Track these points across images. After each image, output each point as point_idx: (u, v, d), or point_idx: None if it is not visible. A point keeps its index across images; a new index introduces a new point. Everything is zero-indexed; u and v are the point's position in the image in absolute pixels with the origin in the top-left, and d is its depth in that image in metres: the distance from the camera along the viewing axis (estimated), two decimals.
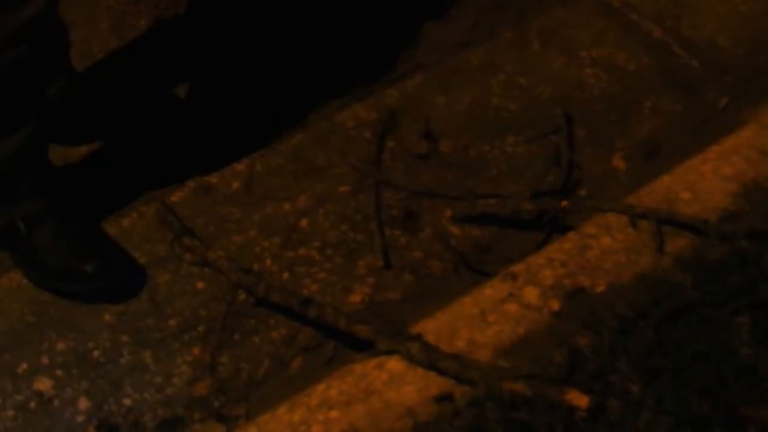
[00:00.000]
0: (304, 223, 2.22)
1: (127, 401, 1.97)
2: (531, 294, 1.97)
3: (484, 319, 1.93)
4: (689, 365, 1.79)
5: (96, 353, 2.02)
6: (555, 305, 1.94)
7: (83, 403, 1.96)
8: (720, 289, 1.91)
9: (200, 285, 2.12)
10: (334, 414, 1.80)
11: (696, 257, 1.99)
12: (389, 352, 1.86)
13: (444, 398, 1.80)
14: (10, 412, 1.95)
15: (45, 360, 2.01)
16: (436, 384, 1.82)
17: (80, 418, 1.95)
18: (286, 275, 2.15)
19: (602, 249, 2.04)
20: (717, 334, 1.84)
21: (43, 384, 1.98)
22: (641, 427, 1.71)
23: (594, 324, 1.88)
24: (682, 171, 2.19)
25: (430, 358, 1.83)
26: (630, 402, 1.75)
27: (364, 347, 1.92)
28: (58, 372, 2.00)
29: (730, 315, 1.86)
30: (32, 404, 1.96)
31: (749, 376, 1.79)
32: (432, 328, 1.92)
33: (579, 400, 1.72)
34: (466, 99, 2.48)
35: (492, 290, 1.99)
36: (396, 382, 1.83)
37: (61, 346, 2.03)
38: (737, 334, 1.83)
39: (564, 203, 2.23)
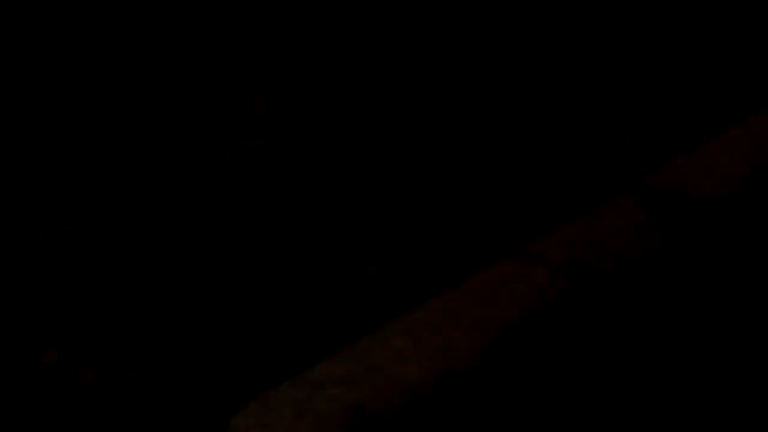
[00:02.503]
0: None
1: None
2: (539, 273, 1.96)
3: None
4: None
5: None
6: (563, 284, 1.93)
7: None
8: None
9: None
10: (337, 390, 1.79)
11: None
12: None
13: (447, 375, 1.79)
14: None
15: None
16: (440, 361, 1.81)
17: None
18: None
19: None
20: None
21: None
22: None
23: None
24: None
25: None
26: None
27: None
28: None
29: None
30: None
31: None
32: (439, 306, 1.91)
33: None
34: None
35: (502, 269, 1.98)
36: (400, 358, 1.82)
37: None
38: None
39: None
